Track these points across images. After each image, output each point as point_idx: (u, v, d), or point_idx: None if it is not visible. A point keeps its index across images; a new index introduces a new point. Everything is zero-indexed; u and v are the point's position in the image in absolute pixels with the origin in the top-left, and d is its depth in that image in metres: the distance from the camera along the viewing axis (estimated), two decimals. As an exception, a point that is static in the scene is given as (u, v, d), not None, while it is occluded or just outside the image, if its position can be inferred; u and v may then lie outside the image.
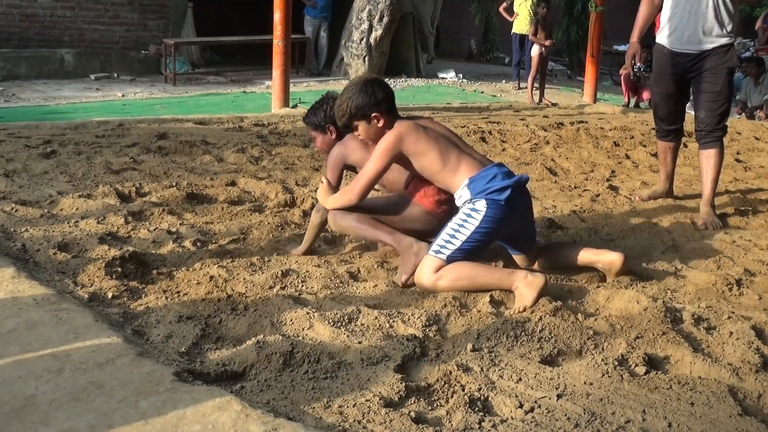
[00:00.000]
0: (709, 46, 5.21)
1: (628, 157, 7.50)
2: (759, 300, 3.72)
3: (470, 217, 3.63)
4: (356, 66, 14.68)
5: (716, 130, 5.30)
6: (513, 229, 3.84)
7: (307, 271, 3.85)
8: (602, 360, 2.88)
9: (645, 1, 5.52)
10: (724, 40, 5.21)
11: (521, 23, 14.52)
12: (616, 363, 2.86)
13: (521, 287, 3.45)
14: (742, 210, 5.47)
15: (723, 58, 5.23)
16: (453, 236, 3.63)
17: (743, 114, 11.94)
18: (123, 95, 11.55)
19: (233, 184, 5.55)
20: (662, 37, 5.37)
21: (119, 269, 3.67)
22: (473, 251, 3.65)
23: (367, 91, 3.80)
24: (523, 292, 3.43)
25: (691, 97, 5.65)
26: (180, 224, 4.54)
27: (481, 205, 3.63)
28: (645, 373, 2.83)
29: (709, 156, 5.33)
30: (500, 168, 3.78)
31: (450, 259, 3.60)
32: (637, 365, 2.89)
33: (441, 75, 15.88)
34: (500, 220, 3.64)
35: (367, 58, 14.64)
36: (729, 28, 5.22)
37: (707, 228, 5.00)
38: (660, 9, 5.46)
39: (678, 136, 5.74)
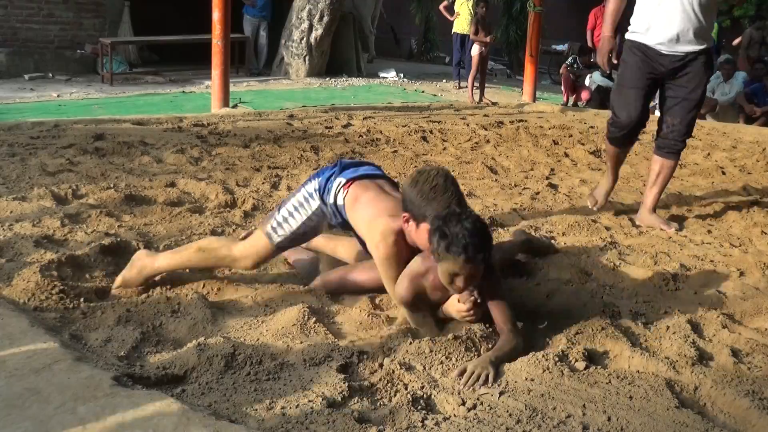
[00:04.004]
0: (696, 48, 4.89)
1: (567, 155, 7.60)
2: (695, 294, 3.79)
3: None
4: (297, 65, 14.63)
5: (682, 141, 5.09)
6: None
7: (242, 275, 3.83)
8: (543, 356, 2.91)
9: None
10: (707, 44, 4.96)
11: (462, 23, 14.61)
12: (557, 359, 2.89)
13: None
14: (678, 207, 5.58)
15: (705, 63, 4.97)
16: None
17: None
18: (58, 95, 11.33)
19: (173, 185, 5.48)
20: (641, 35, 4.97)
21: (55, 272, 3.59)
22: None
23: None
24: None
25: (657, 102, 5.43)
26: (118, 226, 4.47)
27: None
28: (585, 369, 2.87)
29: (665, 166, 5.14)
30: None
31: None
32: (577, 361, 2.93)
33: (382, 74, 15.91)
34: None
35: (307, 58, 14.61)
36: (710, 31, 5.02)
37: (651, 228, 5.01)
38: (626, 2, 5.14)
39: (632, 141, 5.34)
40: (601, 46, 5.15)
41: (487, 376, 2.78)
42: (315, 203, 3.56)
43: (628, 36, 5.06)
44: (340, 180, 3.51)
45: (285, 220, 3.54)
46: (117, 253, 3.96)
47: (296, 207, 3.56)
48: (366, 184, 3.52)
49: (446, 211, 3.02)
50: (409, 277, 3.18)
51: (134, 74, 13.85)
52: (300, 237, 3.60)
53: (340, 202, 3.48)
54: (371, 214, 3.35)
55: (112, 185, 5.29)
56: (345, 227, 3.55)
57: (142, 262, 3.62)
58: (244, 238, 3.65)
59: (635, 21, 5.02)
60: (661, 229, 4.98)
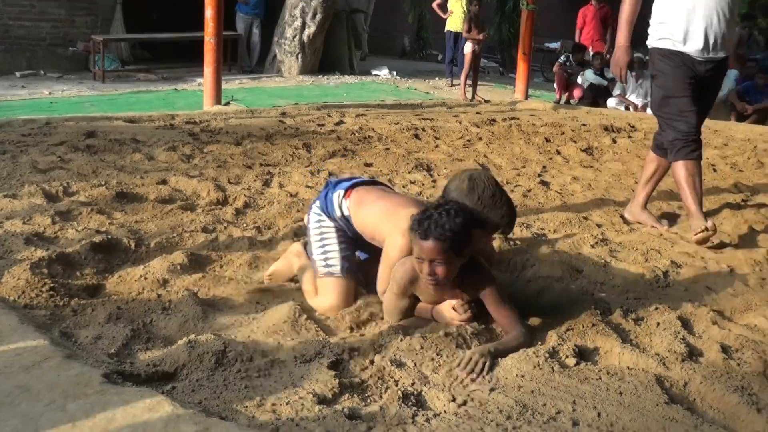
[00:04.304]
0: (726, 54, 4.80)
1: (558, 152, 7.61)
2: (685, 291, 3.80)
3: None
4: (289, 63, 14.61)
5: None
6: None
7: (233, 272, 3.82)
8: (533, 352, 2.92)
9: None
10: (729, 49, 4.84)
11: (455, 21, 14.61)
12: (547, 355, 2.90)
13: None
14: (669, 204, 5.60)
15: (724, 69, 4.91)
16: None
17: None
18: (50, 93, 11.29)
19: (164, 182, 5.47)
20: (676, 43, 4.72)
21: (46, 270, 3.58)
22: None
23: None
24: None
25: (648, 100, 5.24)
26: (109, 224, 4.47)
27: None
28: (575, 365, 2.88)
29: (662, 165, 5.06)
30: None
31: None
32: (567, 357, 2.93)
33: (375, 72, 15.90)
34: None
35: (300, 56, 14.59)
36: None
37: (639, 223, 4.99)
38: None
39: (701, 150, 4.84)
40: (618, 58, 4.84)
41: (484, 364, 2.80)
42: (328, 223, 3.58)
43: (656, 44, 4.83)
44: (339, 192, 3.55)
45: (325, 254, 3.51)
46: (108, 251, 3.96)
47: (322, 239, 3.56)
48: (366, 188, 3.56)
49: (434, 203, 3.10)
50: (406, 267, 3.18)
51: (126, 72, 13.81)
52: (350, 252, 3.56)
53: (345, 212, 3.50)
54: (386, 208, 3.37)
55: (103, 182, 5.28)
56: (359, 239, 3.55)
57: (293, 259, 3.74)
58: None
59: (665, 28, 4.76)
60: (652, 227, 4.96)
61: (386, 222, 3.32)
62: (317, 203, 3.66)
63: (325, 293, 3.44)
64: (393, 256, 3.25)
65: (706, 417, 2.61)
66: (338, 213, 3.52)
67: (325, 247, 3.52)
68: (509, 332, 3.09)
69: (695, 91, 4.72)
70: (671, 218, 5.23)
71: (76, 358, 2.72)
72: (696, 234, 4.52)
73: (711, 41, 4.66)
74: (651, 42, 4.85)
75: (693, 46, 4.67)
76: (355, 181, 3.64)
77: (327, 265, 3.48)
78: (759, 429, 2.52)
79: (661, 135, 4.91)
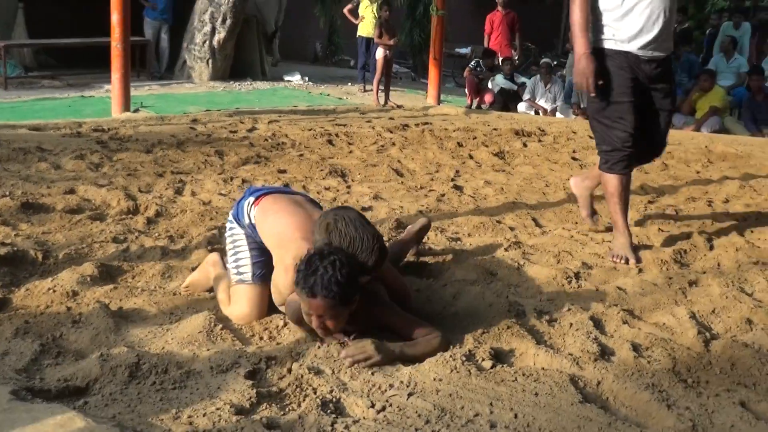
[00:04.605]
0: (669, 52, 4.56)
1: (471, 157, 7.70)
2: (596, 291, 3.89)
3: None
4: (200, 69, 14.42)
5: (661, 152, 4.69)
6: None
7: (145, 283, 3.75)
8: (450, 356, 2.94)
9: (579, 2, 4.43)
10: (672, 46, 4.60)
11: (367, 26, 14.64)
12: (464, 358, 2.93)
13: None
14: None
15: (670, 67, 4.63)
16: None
17: (578, 115, 12.48)
18: (-51, 100, 10.91)
19: (72, 192, 5.33)
20: (618, 41, 4.42)
21: (-52, 285, 3.46)
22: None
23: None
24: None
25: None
26: (15, 235, 4.33)
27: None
28: (491, 367, 2.92)
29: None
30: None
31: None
32: (483, 359, 2.97)
33: (287, 78, 15.82)
34: None
35: (210, 61, 14.42)
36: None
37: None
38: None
39: (633, 163, 4.63)
40: (583, 67, 4.38)
41: (368, 356, 2.88)
42: (239, 230, 3.56)
43: (599, 45, 4.48)
44: (250, 199, 3.53)
45: (237, 261, 3.50)
46: (14, 263, 3.85)
47: (234, 246, 3.56)
48: (276, 197, 3.52)
49: (316, 248, 2.97)
50: (294, 308, 3.09)
51: (30, 78, 13.42)
52: (263, 258, 3.48)
53: (252, 220, 3.47)
54: (282, 233, 3.30)
55: (7, 193, 5.12)
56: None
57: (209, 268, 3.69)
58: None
59: (607, 28, 4.45)
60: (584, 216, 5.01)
61: (277, 251, 3.28)
62: (231, 212, 3.66)
63: (236, 301, 3.42)
64: (282, 288, 3.19)
65: (619, 415, 2.67)
66: (247, 220, 3.51)
67: (237, 255, 3.52)
68: (424, 338, 3.10)
69: (637, 97, 4.44)
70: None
71: (-18, 376, 2.63)
72: (616, 261, 4.38)
73: (654, 39, 4.40)
74: (597, 42, 4.50)
75: (637, 44, 4.41)
76: (268, 189, 3.62)
77: (238, 273, 3.47)
78: (669, 425, 2.59)
79: (597, 144, 4.63)
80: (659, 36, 4.41)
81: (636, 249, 4.50)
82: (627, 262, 4.37)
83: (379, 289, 3.22)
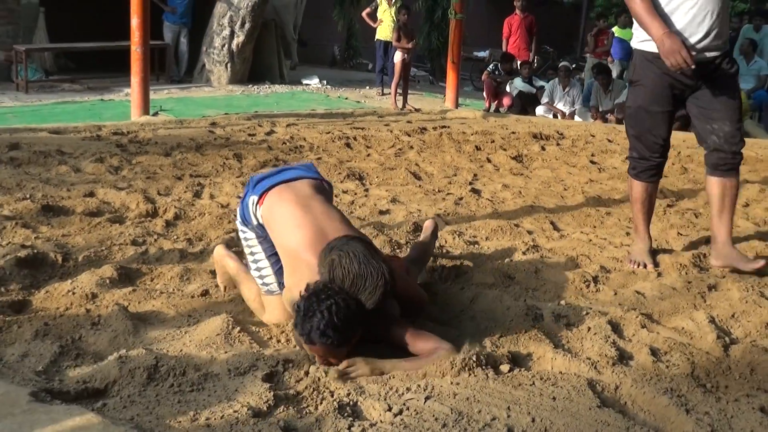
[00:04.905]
0: (722, 50, 4.22)
1: (489, 160, 7.69)
2: (614, 295, 3.87)
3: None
4: (218, 72, 14.48)
5: (739, 152, 4.23)
6: None
7: (164, 285, 3.77)
8: (468, 359, 2.93)
9: None
10: (726, 42, 4.28)
11: (385, 30, 14.66)
12: (482, 362, 2.92)
13: None
14: (597, 210, 5.70)
15: (732, 63, 4.27)
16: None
17: (596, 119, 12.44)
18: (-29, 104, 10.99)
19: (91, 194, 5.37)
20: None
21: (-31, 287, 3.49)
22: None
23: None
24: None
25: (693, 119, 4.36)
26: (35, 238, 4.36)
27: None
28: (509, 371, 2.91)
29: (728, 186, 4.25)
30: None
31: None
32: (501, 363, 2.96)
33: (305, 81, 15.85)
34: None
35: (229, 65, 14.48)
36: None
37: (734, 270, 4.21)
38: None
39: (662, 171, 4.54)
40: (669, 46, 3.98)
41: (351, 374, 2.82)
42: (251, 234, 3.46)
43: (639, 47, 4.32)
44: (253, 197, 3.41)
45: (259, 271, 3.44)
46: (34, 266, 3.87)
47: (252, 254, 3.47)
48: (281, 193, 3.36)
49: (313, 287, 2.91)
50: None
51: (50, 82, 13.51)
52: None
53: (260, 220, 3.38)
54: (292, 252, 3.18)
55: (28, 196, 5.16)
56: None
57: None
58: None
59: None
60: (738, 270, 4.21)
61: (288, 269, 3.20)
62: (238, 211, 3.56)
63: (270, 311, 3.40)
64: (286, 306, 3.19)
65: (638, 419, 2.65)
66: (255, 221, 3.40)
67: (257, 264, 3.44)
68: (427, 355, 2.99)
69: (675, 106, 4.28)
70: (599, 224, 5.32)
71: (2, 377, 2.65)
72: (634, 266, 4.34)
73: (699, 41, 4.10)
74: (634, 44, 4.37)
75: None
76: (274, 181, 3.43)
77: (264, 283, 3.42)
78: (688, 430, 2.57)
79: (629, 148, 4.50)
80: (705, 38, 4.10)
81: (654, 254, 4.47)
82: (645, 267, 4.34)
83: (387, 305, 3.11)
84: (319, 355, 2.89)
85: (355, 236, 3.15)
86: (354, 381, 2.81)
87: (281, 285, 3.33)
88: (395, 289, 3.10)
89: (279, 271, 3.36)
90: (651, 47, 4.18)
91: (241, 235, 3.55)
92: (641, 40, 4.29)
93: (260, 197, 3.37)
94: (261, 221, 3.36)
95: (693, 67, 3.98)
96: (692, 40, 4.09)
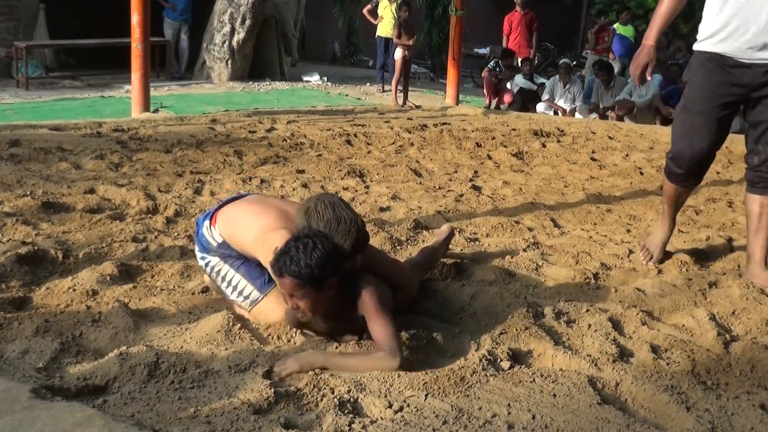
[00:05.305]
0: None
1: (489, 157, 7.68)
2: (615, 292, 3.87)
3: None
4: (219, 69, 14.48)
5: None
6: None
7: (164, 282, 3.77)
8: (469, 356, 2.93)
9: None
10: None
11: (386, 26, 14.65)
12: (482, 359, 2.92)
13: None
14: (597, 207, 5.69)
15: None
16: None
17: (597, 115, 12.45)
18: (-29, 101, 10.99)
19: (92, 191, 5.37)
20: (712, 43, 3.87)
21: (-31, 283, 3.49)
22: None
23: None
24: None
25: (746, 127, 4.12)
26: (36, 235, 4.36)
27: None
28: (509, 368, 2.91)
29: (766, 204, 4.01)
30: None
31: None
32: (502, 360, 2.96)
33: (305, 78, 15.85)
34: None
35: (230, 62, 14.47)
36: None
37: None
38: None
39: (697, 179, 4.26)
40: (637, 56, 4.07)
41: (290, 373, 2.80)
42: (214, 259, 3.46)
43: (696, 46, 4.00)
44: (206, 223, 3.46)
45: (236, 289, 3.39)
46: (35, 262, 3.87)
47: (221, 278, 3.44)
48: (230, 206, 3.43)
49: (296, 233, 2.98)
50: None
51: (51, 78, 13.52)
52: (251, 265, 3.40)
53: (219, 238, 3.39)
54: (262, 232, 3.19)
55: (28, 192, 5.16)
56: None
57: None
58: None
59: (705, 26, 3.92)
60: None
61: (262, 250, 3.16)
62: (196, 248, 3.57)
63: (268, 317, 3.33)
64: None
65: (638, 416, 2.65)
66: (214, 243, 3.42)
67: (230, 282, 3.41)
68: (376, 349, 2.94)
69: (728, 112, 3.97)
70: (600, 221, 5.31)
71: (3, 374, 2.65)
72: (643, 252, 4.36)
73: (752, 38, 3.75)
74: (695, 44, 4.04)
75: (732, 45, 3.81)
76: (218, 205, 3.52)
77: (246, 297, 3.38)
78: (689, 427, 2.57)
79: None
80: (760, 35, 3.73)
81: (667, 254, 4.40)
82: (650, 260, 4.31)
83: (367, 282, 3.08)
84: (288, 293, 2.90)
85: (330, 193, 3.21)
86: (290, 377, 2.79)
87: (262, 287, 3.34)
88: (377, 269, 3.19)
89: (251, 275, 3.36)
90: (704, 47, 3.93)
91: (207, 269, 3.51)
92: (698, 40, 4.00)
93: (211, 219, 3.43)
94: (219, 239, 3.39)
95: (638, 86, 3.95)
96: (746, 36, 3.76)
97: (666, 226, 4.39)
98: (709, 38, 3.89)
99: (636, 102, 12.17)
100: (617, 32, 15.17)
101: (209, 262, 3.49)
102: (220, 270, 3.45)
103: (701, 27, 3.95)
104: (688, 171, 4.13)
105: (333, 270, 2.91)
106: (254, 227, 3.25)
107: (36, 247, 4.00)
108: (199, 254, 3.56)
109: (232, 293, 3.42)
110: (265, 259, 3.08)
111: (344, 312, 3.07)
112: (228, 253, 3.40)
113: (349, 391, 2.68)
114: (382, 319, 2.97)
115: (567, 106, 12.85)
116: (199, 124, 8.73)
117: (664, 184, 4.38)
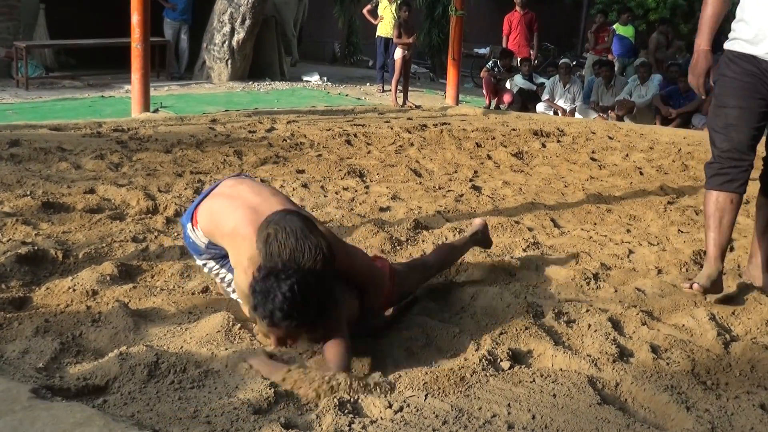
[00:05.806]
0: None
1: (489, 157, 7.68)
2: (615, 292, 3.87)
3: None
4: (219, 69, 14.47)
5: None
6: None
7: (164, 282, 3.77)
8: (469, 356, 2.93)
9: None
10: None
11: (386, 26, 14.64)
12: (482, 359, 2.92)
13: None
14: (597, 207, 5.69)
15: None
16: None
17: (599, 114, 12.45)
18: (-29, 101, 10.99)
19: (92, 191, 5.36)
20: (744, 42, 3.77)
21: (-31, 283, 3.49)
22: None
23: None
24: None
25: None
26: (36, 235, 4.36)
27: None
28: (509, 368, 2.91)
29: None
30: None
31: None
32: (501, 360, 2.96)
33: (305, 78, 15.84)
34: None
35: (230, 62, 14.47)
36: None
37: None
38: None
39: (747, 181, 3.81)
40: (696, 64, 3.87)
41: None
42: (211, 263, 3.45)
43: (726, 46, 3.88)
44: (189, 225, 3.40)
45: (228, 285, 3.43)
46: (35, 262, 3.86)
47: (224, 281, 3.46)
48: (211, 199, 3.33)
49: (269, 267, 2.82)
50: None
51: (51, 78, 13.50)
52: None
53: (204, 239, 3.34)
54: (233, 232, 3.12)
55: (28, 192, 5.15)
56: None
57: None
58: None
59: (738, 26, 3.82)
60: None
61: (232, 251, 3.13)
62: (191, 253, 3.56)
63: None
64: (246, 290, 2.97)
65: (638, 416, 2.66)
66: (202, 245, 3.38)
67: (232, 285, 3.40)
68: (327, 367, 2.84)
69: (762, 102, 3.76)
70: (600, 221, 5.31)
71: (3, 374, 2.65)
72: (689, 287, 3.73)
73: None
74: (725, 43, 3.92)
75: (755, 46, 3.72)
76: (195, 204, 3.42)
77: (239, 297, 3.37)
78: (689, 427, 2.57)
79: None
80: None
81: (719, 283, 3.80)
82: (705, 293, 3.76)
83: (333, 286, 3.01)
84: (279, 337, 2.86)
85: (291, 210, 3.06)
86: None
87: None
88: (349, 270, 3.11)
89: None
90: (735, 46, 3.81)
91: (206, 269, 3.52)
92: (730, 39, 3.87)
93: (192, 220, 3.36)
94: (205, 239, 3.34)
95: (703, 95, 3.77)
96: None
97: (712, 261, 3.78)
98: (742, 40, 3.78)
99: (636, 102, 12.17)
100: (617, 32, 15.17)
101: (206, 264, 3.49)
102: (218, 273, 3.47)
103: (734, 26, 3.84)
104: (729, 167, 3.76)
105: (321, 303, 2.85)
106: (227, 225, 3.16)
107: (36, 247, 4.00)
108: (197, 259, 3.55)
109: (233, 294, 3.43)
110: (235, 261, 3.09)
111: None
112: (218, 252, 3.37)
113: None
114: (337, 338, 2.89)
115: (567, 106, 12.85)
116: (199, 124, 8.73)
117: (708, 206, 3.84)
